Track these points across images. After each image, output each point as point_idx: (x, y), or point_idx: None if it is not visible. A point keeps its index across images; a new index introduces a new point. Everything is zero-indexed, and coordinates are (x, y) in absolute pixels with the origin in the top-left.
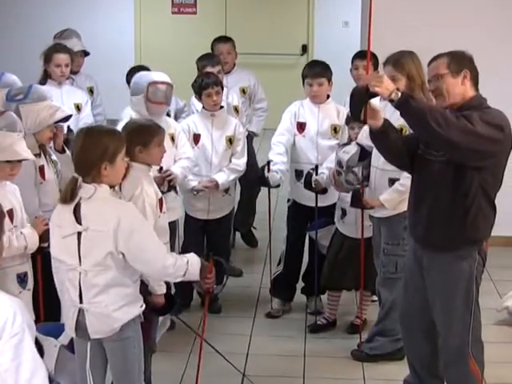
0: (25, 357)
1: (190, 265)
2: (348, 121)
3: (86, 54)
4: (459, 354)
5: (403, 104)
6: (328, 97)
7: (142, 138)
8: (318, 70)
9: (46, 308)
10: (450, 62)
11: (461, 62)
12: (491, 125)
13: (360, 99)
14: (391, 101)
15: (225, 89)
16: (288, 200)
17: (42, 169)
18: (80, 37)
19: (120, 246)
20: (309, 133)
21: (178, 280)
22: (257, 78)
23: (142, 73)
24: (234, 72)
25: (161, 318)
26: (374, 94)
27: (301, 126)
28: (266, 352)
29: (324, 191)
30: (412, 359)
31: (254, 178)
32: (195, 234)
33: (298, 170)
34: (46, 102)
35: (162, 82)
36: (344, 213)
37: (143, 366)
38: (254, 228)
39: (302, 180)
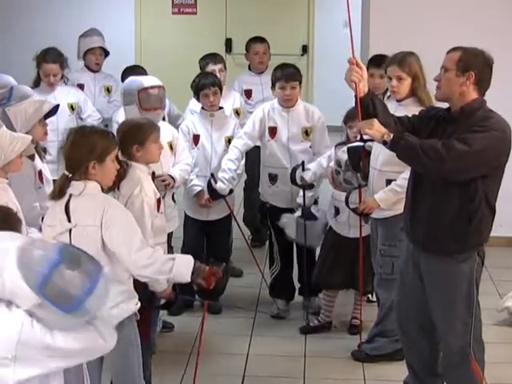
0: None
1: (176, 264)
2: (346, 120)
3: (106, 54)
4: (461, 355)
5: (396, 145)
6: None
7: (138, 136)
8: (290, 73)
9: None
10: (460, 60)
11: (472, 62)
12: (490, 137)
13: (355, 155)
14: (384, 143)
15: (260, 87)
16: (263, 203)
17: (40, 173)
18: (101, 35)
19: (104, 235)
20: (280, 138)
21: (164, 277)
22: None
23: (131, 79)
24: (268, 72)
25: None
26: (368, 140)
27: (272, 131)
28: (266, 352)
29: (311, 187)
30: (411, 360)
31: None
32: (195, 235)
33: (272, 174)
34: (31, 98)
35: (152, 87)
36: (337, 211)
37: (141, 362)
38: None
39: (278, 183)
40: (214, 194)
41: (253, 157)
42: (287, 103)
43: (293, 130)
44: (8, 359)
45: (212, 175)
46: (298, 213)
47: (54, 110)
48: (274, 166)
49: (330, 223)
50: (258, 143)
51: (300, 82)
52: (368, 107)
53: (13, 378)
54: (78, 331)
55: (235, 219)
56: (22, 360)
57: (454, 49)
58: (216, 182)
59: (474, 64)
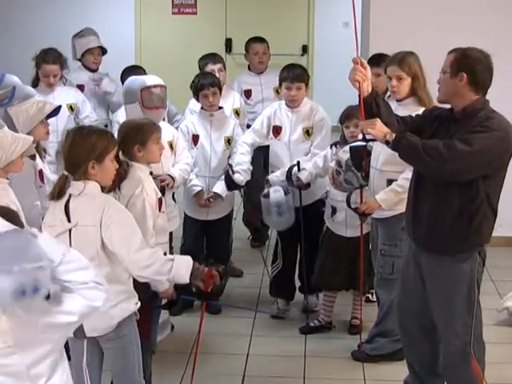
0: None
1: (175, 265)
2: (342, 120)
3: (103, 52)
4: (461, 354)
5: (398, 144)
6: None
7: (139, 136)
8: (296, 74)
9: None
10: (454, 62)
11: (463, 64)
12: (492, 137)
13: (358, 155)
14: (387, 142)
15: (259, 87)
16: None
17: (40, 172)
18: (97, 34)
19: (103, 235)
20: (283, 138)
21: (163, 278)
22: None
23: (133, 78)
24: (268, 72)
25: (161, 321)
26: (370, 140)
27: (276, 130)
28: (266, 352)
29: (307, 186)
30: (411, 359)
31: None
32: (195, 235)
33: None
34: (33, 98)
35: (155, 86)
36: (334, 211)
37: (142, 361)
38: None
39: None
40: (232, 185)
41: (253, 157)
42: (292, 103)
43: (295, 130)
44: (10, 347)
45: (230, 166)
46: (265, 190)
47: (56, 111)
48: (276, 164)
49: (327, 223)
50: (266, 142)
51: (306, 83)
52: (371, 107)
53: (20, 364)
54: (67, 300)
55: (244, 207)
56: (25, 344)
57: (452, 51)
58: (234, 173)
59: (465, 65)
